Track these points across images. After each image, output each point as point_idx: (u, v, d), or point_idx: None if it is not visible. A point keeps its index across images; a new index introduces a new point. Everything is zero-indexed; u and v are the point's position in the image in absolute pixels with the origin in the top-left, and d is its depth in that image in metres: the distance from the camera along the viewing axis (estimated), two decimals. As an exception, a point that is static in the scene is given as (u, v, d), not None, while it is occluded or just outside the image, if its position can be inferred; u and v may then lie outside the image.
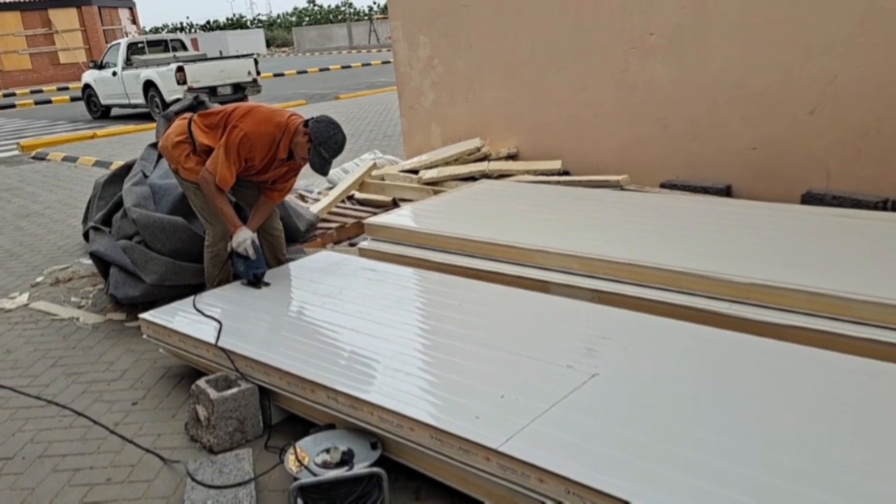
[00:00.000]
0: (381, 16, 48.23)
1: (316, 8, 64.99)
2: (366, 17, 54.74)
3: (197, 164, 3.68)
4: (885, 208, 4.15)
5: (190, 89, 13.80)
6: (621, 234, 3.67)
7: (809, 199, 4.43)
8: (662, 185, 5.08)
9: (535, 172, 5.53)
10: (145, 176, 4.63)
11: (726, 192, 4.83)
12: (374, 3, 63.61)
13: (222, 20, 63.95)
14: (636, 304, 3.08)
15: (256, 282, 3.61)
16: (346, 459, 2.44)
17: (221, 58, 16.71)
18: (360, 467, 2.38)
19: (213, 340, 3.03)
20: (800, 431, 2.06)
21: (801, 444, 2.00)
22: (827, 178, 4.52)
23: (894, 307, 2.60)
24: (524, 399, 2.33)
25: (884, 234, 3.36)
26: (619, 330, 2.79)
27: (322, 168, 3.56)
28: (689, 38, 4.94)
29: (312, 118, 3.55)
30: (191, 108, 5.20)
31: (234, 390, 2.82)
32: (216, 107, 5.26)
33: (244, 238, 3.59)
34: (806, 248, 3.28)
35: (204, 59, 16.22)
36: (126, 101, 15.94)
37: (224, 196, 3.62)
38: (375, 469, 2.33)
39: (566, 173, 5.56)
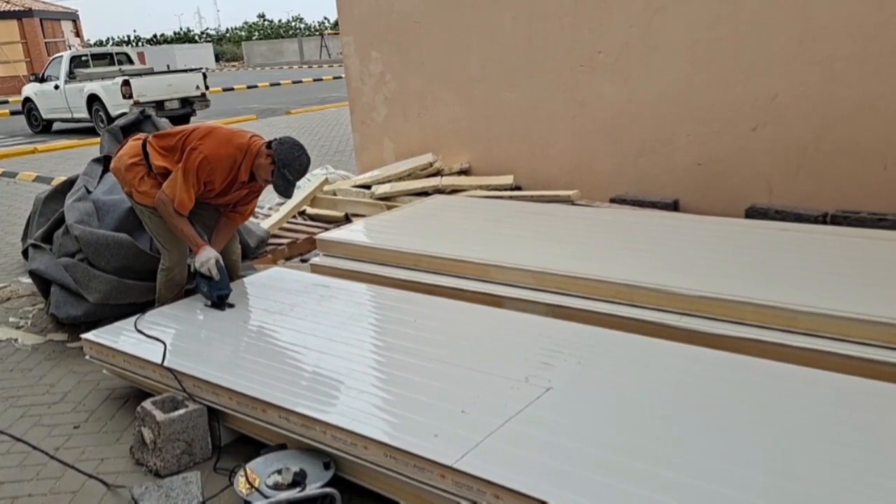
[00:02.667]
0: (332, 31, 48.11)
1: (266, 23, 64.57)
2: (317, 33, 54.56)
3: (152, 187, 3.54)
4: (824, 222, 4.29)
5: (136, 103, 13.48)
6: (573, 249, 3.71)
7: (753, 213, 4.55)
8: (612, 200, 5.17)
9: (488, 188, 5.56)
10: (88, 192, 4.49)
11: (674, 206, 4.94)
12: (325, 18, 63.52)
13: (170, 34, 62.99)
14: (589, 318, 3.11)
15: (221, 303, 3.47)
16: (299, 480, 2.38)
17: (169, 72, 16.41)
18: (313, 488, 2.33)
19: (159, 360, 2.94)
20: (751, 441, 2.10)
21: (753, 454, 2.03)
22: (770, 193, 4.66)
23: (837, 318, 2.68)
24: (479, 414, 2.32)
25: (824, 248, 3.47)
26: (573, 343, 2.80)
27: (286, 190, 3.45)
28: (636, 57, 5.05)
29: (275, 139, 3.46)
30: (137, 122, 5.10)
31: (182, 411, 2.74)
32: (164, 122, 5.19)
33: (208, 258, 3.45)
34: (752, 261, 3.36)
35: (151, 72, 15.91)
36: (69, 116, 15.51)
37: (183, 218, 3.48)
38: (328, 489, 2.28)
39: (518, 188, 5.61)
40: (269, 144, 3.46)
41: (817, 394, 2.32)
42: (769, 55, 4.51)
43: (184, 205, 3.43)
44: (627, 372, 2.58)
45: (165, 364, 2.91)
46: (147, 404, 2.78)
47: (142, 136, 3.73)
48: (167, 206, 3.43)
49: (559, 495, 1.89)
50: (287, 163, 3.38)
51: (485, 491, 2.00)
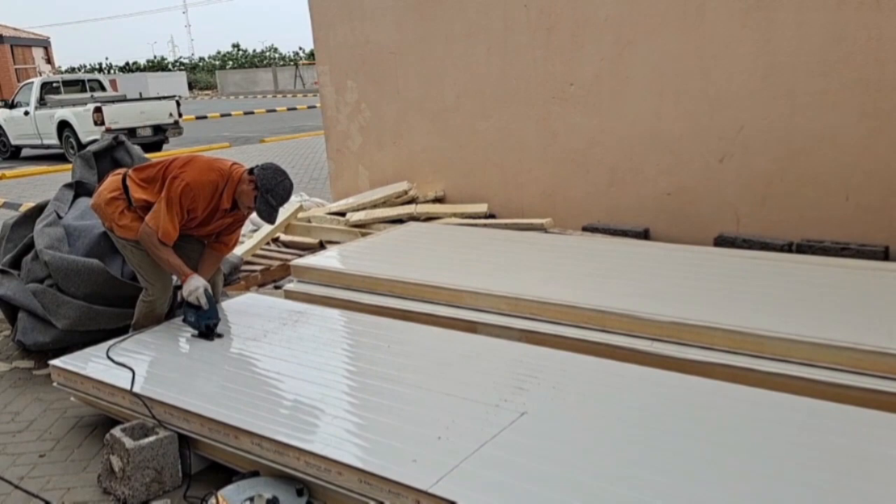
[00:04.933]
0: (307, 62, 48.43)
1: (240, 52, 64.75)
2: (291, 63, 54.84)
3: (132, 220, 3.49)
4: (790, 250, 4.39)
5: (108, 130, 13.40)
6: (546, 276, 3.75)
7: (721, 241, 4.65)
8: (584, 229, 5.24)
9: (462, 215, 5.61)
10: (59, 217, 4.44)
11: (644, 235, 5.03)
12: (300, 48, 63.87)
13: (143, 62, 62.81)
14: (562, 343, 3.14)
15: (209, 333, 3.39)
16: (271, 507, 2.35)
17: (141, 99, 16.34)
18: (286, 515, 2.30)
19: (129, 387, 2.90)
20: (722, 465, 2.13)
21: (724, 477, 2.06)
22: (737, 222, 4.77)
23: (804, 343, 2.74)
24: (454, 439, 2.32)
25: (790, 276, 3.56)
26: (547, 368, 2.83)
27: (269, 216, 3.44)
28: (607, 89, 5.17)
29: (257, 166, 3.46)
30: (110, 148, 5.07)
31: (152, 438, 2.70)
32: (138, 149, 5.16)
33: (196, 286, 3.37)
34: (720, 288, 3.43)
35: (123, 99, 15.82)
36: (38, 142, 15.34)
37: (168, 248, 3.42)
38: (302, 516, 2.26)
39: (492, 216, 5.67)
40: (250, 171, 3.46)
41: (785, 417, 2.37)
42: (735, 88, 4.65)
43: (168, 234, 3.38)
44: (600, 396, 2.60)
45: (134, 390, 2.87)
46: (116, 431, 2.74)
47: (121, 171, 3.70)
48: (151, 237, 3.38)
49: (534, 518, 1.90)
50: (270, 188, 3.38)
51: (460, 515, 2.00)
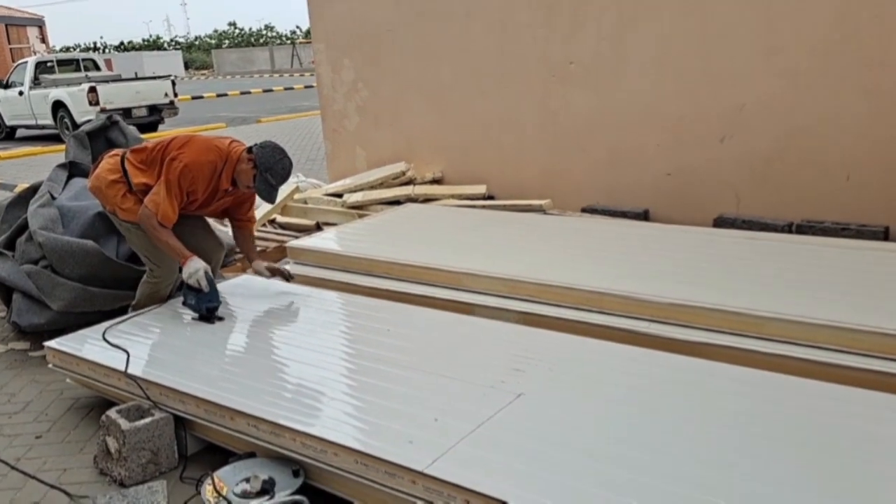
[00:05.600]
0: (304, 40, 48.03)
1: (237, 31, 64.19)
2: (288, 42, 54.42)
3: (135, 203, 3.44)
4: (790, 231, 4.37)
5: (103, 110, 13.29)
6: (545, 258, 3.73)
7: (721, 222, 4.63)
8: (583, 210, 5.21)
9: (460, 197, 5.57)
10: (53, 197, 4.41)
11: (644, 216, 5.00)
12: (297, 27, 63.35)
13: (138, 41, 62.28)
14: (560, 325, 3.12)
15: (210, 316, 3.34)
16: (267, 488, 2.35)
17: (137, 79, 16.20)
18: (282, 496, 2.30)
19: (123, 368, 2.88)
20: (720, 445, 2.12)
21: (722, 458, 2.05)
22: (737, 203, 4.74)
23: (804, 324, 2.73)
24: (451, 421, 2.31)
25: (790, 257, 3.54)
26: (544, 350, 2.81)
27: (269, 195, 3.41)
28: (606, 68, 5.12)
29: (256, 144, 3.42)
30: (103, 128, 5.02)
31: (148, 420, 2.69)
32: (132, 128, 5.11)
33: (196, 269, 3.31)
34: (720, 269, 3.42)
35: (118, 79, 15.71)
36: (33, 122, 15.23)
37: (168, 230, 3.37)
38: (297, 497, 2.26)
39: (490, 198, 5.63)
40: (249, 150, 3.42)
41: (785, 399, 2.36)
42: (736, 67, 4.60)
43: (168, 217, 3.34)
44: (597, 378, 2.59)
45: (128, 372, 2.86)
46: (112, 413, 2.72)
47: (118, 151, 3.64)
48: (150, 219, 3.33)
49: (528, 499, 1.90)
50: (269, 166, 3.34)
51: (455, 496, 1.99)
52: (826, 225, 4.28)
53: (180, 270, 3.44)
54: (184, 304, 3.44)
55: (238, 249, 4.12)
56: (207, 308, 3.34)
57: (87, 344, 3.21)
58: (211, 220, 4.03)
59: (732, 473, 1.98)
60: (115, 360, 2.97)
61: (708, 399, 2.39)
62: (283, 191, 6.04)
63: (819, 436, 2.14)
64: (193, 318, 3.39)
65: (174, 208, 3.35)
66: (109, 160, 3.60)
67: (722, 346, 2.81)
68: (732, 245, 3.80)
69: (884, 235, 4.14)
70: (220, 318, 3.37)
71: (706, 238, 3.99)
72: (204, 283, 3.31)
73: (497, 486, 1.95)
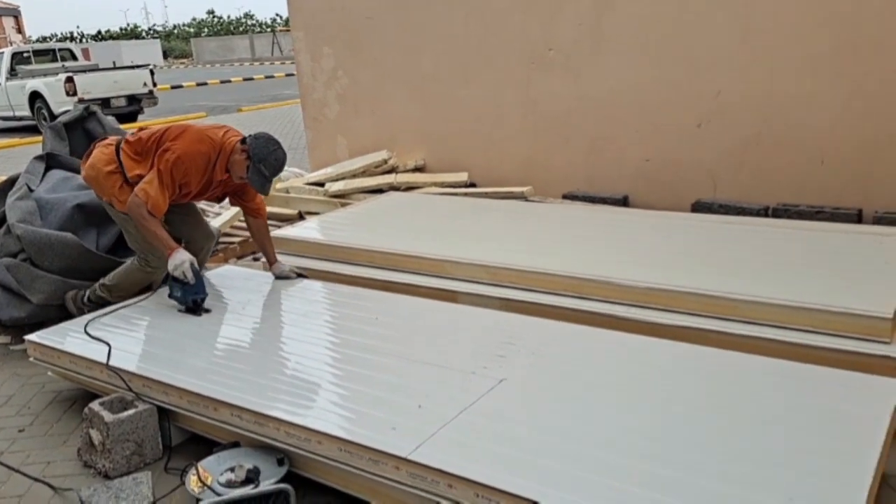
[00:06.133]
0: (284, 28, 47.53)
1: (215, 19, 63.44)
2: (268, 30, 53.86)
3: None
4: (766, 215, 4.43)
5: (81, 101, 13.13)
6: (526, 244, 3.76)
7: (699, 207, 4.68)
8: (564, 196, 5.25)
9: (443, 184, 5.58)
10: (31, 190, 4.37)
11: (623, 202, 5.04)
12: (277, 15, 62.76)
13: (116, 30, 61.38)
14: (541, 311, 3.16)
15: (196, 308, 3.31)
16: (252, 477, 2.37)
17: (115, 68, 16.02)
18: (267, 484, 2.32)
19: (105, 360, 2.88)
20: (694, 424, 2.17)
21: (697, 436, 2.10)
22: (714, 187, 4.79)
23: (775, 306, 2.78)
24: (434, 407, 2.34)
25: (765, 240, 3.60)
26: (526, 336, 2.85)
27: (262, 187, 3.39)
28: (586, 55, 5.14)
29: (250, 135, 3.40)
30: (81, 118, 4.97)
31: (131, 412, 2.69)
32: (110, 119, 5.06)
33: (182, 260, 3.27)
34: (697, 253, 3.47)
35: (96, 69, 15.51)
36: (10, 114, 15.02)
37: (157, 220, 3.34)
38: (282, 485, 2.27)
39: (473, 185, 5.65)
40: (243, 141, 3.40)
41: (758, 379, 2.41)
42: (713, 53, 4.64)
43: (158, 207, 3.31)
44: (577, 362, 2.63)
45: (110, 364, 2.86)
46: (95, 405, 2.73)
47: (112, 140, 3.60)
48: (140, 208, 3.29)
49: (511, 481, 1.93)
50: (262, 157, 3.33)
51: (439, 480, 2.02)
52: (801, 208, 4.35)
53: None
54: (170, 296, 3.41)
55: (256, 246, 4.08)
56: (194, 300, 3.32)
57: (68, 337, 3.20)
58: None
59: (714, 453, 2.02)
60: (97, 353, 2.97)
61: (683, 380, 2.43)
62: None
63: (797, 415, 2.19)
64: (179, 311, 3.37)
65: (165, 199, 3.33)
66: (104, 150, 3.55)
67: (697, 328, 2.86)
68: (709, 229, 3.85)
69: (857, 218, 4.21)
70: (207, 311, 3.35)
71: (684, 223, 4.04)
72: (190, 275, 3.28)
73: (479, 470, 1.98)
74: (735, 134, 4.65)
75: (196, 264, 3.35)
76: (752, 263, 3.26)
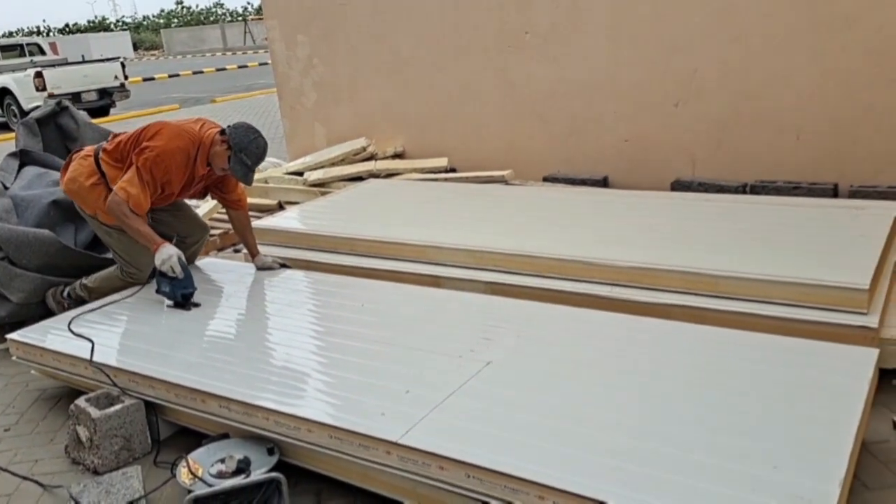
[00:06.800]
0: (256, 17, 46.98)
1: (185, 10, 62.49)
2: (240, 19, 53.16)
3: None
4: (744, 192, 4.48)
5: (51, 96, 12.91)
6: (508, 227, 3.77)
7: (678, 186, 4.72)
8: (545, 179, 5.26)
9: (423, 170, 5.58)
10: (5, 187, 4.31)
11: (604, 182, 5.07)
12: (248, 3, 61.86)
13: (83, 23, 60.26)
14: (526, 293, 3.18)
15: (185, 302, 3.25)
16: (243, 468, 2.37)
17: (85, 62, 15.74)
18: (258, 474, 2.32)
19: (89, 357, 2.86)
20: (680, 401, 2.20)
21: (682, 411, 2.13)
22: (693, 166, 4.83)
23: (755, 281, 2.83)
24: (422, 391, 2.36)
25: (744, 217, 3.64)
26: (511, 318, 2.87)
27: (245, 176, 3.35)
28: (562, 37, 5.14)
29: (229, 125, 3.37)
30: (53, 114, 4.90)
31: (118, 407, 2.68)
32: (83, 114, 4.99)
33: (169, 255, 3.21)
34: (677, 231, 3.50)
35: (65, 63, 15.26)
36: (-22, 111, 14.74)
37: (140, 218, 3.27)
38: (273, 474, 2.28)
39: (453, 170, 5.65)
40: (222, 132, 3.37)
41: (738, 352, 2.45)
42: (689, 33, 4.66)
43: (140, 204, 3.26)
44: (562, 342, 2.66)
45: (94, 360, 2.83)
46: (81, 402, 2.71)
47: (89, 151, 3.53)
48: (121, 206, 3.23)
49: (501, 461, 1.95)
50: (243, 146, 3.30)
51: (430, 463, 2.04)
52: (778, 184, 4.40)
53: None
54: (157, 291, 3.35)
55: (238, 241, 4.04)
56: (182, 295, 3.27)
57: (50, 334, 3.17)
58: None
59: (699, 426, 2.05)
60: (81, 350, 2.94)
61: (667, 356, 2.47)
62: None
63: (779, 386, 2.22)
64: (168, 306, 3.32)
65: (147, 196, 3.28)
66: (82, 162, 3.49)
67: (679, 305, 2.90)
68: (689, 208, 3.89)
69: (833, 192, 4.27)
70: (197, 305, 3.29)
71: (664, 202, 4.08)
72: (178, 270, 3.23)
73: (470, 451, 2.00)
74: (712, 113, 4.69)
75: (183, 258, 3.31)
76: (731, 240, 3.30)
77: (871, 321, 2.63)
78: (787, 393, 2.19)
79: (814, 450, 1.91)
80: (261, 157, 3.36)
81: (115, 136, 3.55)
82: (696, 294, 2.93)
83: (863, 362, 2.30)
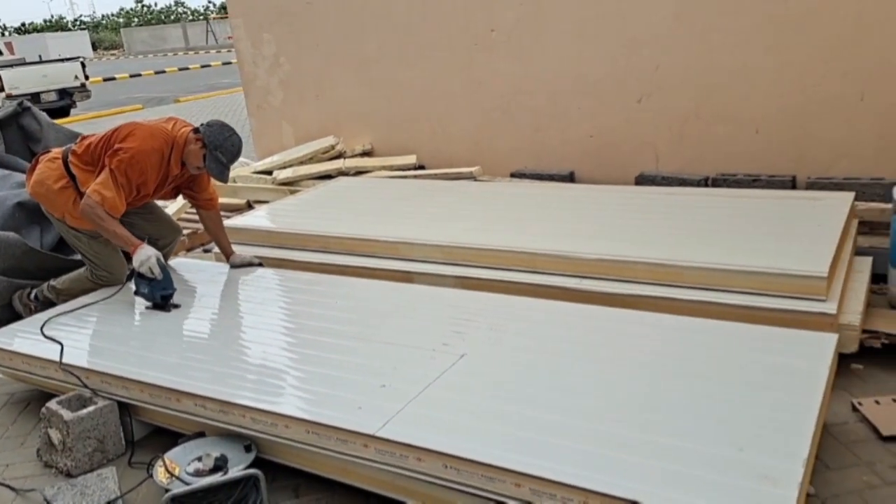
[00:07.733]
0: (218, 16, 46.40)
1: (145, 8, 61.38)
2: (202, 17, 52.40)
3: None
4: (706, 185, 4.59)
5: (9, 97, 12.63)
6: (478, 223, 3.82)
7: (642, 180, 4.81)
8: (513, 175, 5.32)
9: (392, 168, 5.60)
10: (-33, 190, 4.23)
11: (570, 178, 5.14)
12: (210, 2, 60.95)
13: (39, 22, 58.84)
14: (496, 287, 3.23)
15: (164, 304, 3.22)
16: (220, 465, 2.38)
17: (43, 62, 15.42)
18: (236, 471, 2.33)
19: (58, 359, 2.84)
20: (648, 388, 2.27)
21: (651, 397, 2.20)
22: (656, 161, 4.93)
23: (718, 271, 2.91)
24: (398, 385, 2.39)
25: (706, 209, 3.74)
26: (483, 312, 2.91)
27: (221, 174, 3.33)
28: (527, 34, 5.20)
29: (202, 124, 3.35)
30: (14, 115, 4.82)
31: (91, 409, 2.67)
32: (44, 115, 4.91)
33: (147, 256, 3.18)
34: (642, 224, 3.58)
35: (22, 63, 14.91)
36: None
37: (115, 220, 3.23)
38: (251, 471, 2.29)
39: (421, 167, 5.68)
40: (196, 130, 3.35)
41: (703, 340, 2.53)
42: (650, 29, 4.75)
43: (116, 207, 3.21)
44: (534, 333, 2.71)
45: (64, 362, 2.81)
46: (52, 404, 2.69)
47: (57, 153, 3.48)
48: (95, 209, 3.19)
49: (477, 450, 1.99)
50: (218, 144, 3.29)
51: (407, 455, 2.07)
52: (739, 177, 4.51)
53: (129, 260, 3.34)
54: (136, 293, 3.31)
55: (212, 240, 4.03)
56: (162, 296, 3.23)
57: (18, 337, 3.13)
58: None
59: (667, 411, 2.12)
60: (52, 352, 2.92)
61: (635, 345, 2.53)
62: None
63: (743, 372, 2.30)
64: (147, 308, 3.28)
65: (122, 199, 3.24)
66: (50, 164, 3.44)
67: (645, 295, 2.98)
68: (653, 201, 3.97)
69: (792, 184, 4.39)
70: (176, 306, 3.25)
71: (628, 196, 4.16)
72: (157, 271, 3.20)
73: (446, 441, 2.04)
74: (674, 108, 4.79)
75: (162, 259, 3.28)
76: (694, 232, 3.39)
77: (830, 308, 2.73)
78: (751, 378, 2.27)
79: (778, 432, 1.99)
80: (236, 154, 3.36)
81: (84, 138, 3.50)
82: (661, 284, 3.00)
83: (823, 347, 2.39)
